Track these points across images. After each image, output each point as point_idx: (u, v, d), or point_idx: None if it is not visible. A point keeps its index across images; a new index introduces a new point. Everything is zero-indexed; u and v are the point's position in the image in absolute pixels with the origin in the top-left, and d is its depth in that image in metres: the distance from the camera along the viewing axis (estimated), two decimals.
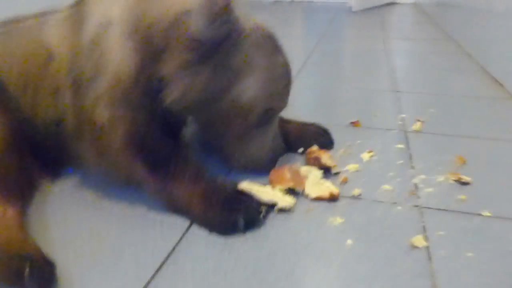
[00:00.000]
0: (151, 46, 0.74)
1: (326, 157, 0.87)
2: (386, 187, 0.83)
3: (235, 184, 0.77)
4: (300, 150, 0.96)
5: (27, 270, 0.55)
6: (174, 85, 0.72)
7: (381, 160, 0.94)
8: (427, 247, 0.66)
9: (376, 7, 3.62)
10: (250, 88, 0.75)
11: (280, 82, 0.80)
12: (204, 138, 0.91)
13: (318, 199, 0.78)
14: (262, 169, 0.84)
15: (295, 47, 2.22)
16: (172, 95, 0.72)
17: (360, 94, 1.43)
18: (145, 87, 0.74)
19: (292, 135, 0.98)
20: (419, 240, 0.67)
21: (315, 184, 0.80)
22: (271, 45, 0.79)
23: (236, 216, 0.69)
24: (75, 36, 0.77)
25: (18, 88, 0.81)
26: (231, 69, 0.73)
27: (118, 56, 0.73)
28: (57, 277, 0.59)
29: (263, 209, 0.72)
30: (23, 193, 0.75)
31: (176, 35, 0.71)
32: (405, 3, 3.83)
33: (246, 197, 0.73)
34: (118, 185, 0.79)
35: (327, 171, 0.87)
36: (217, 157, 0.88)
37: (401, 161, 0.93)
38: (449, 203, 0.78)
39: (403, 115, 1.21)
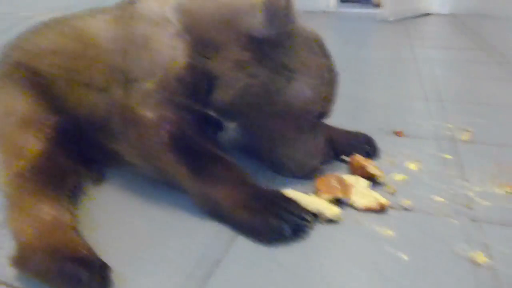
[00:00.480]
0: (204, 45, 0.73)
1: (372, 166, 0.82)
2: (438, 199, 0.77)
3: (280, 191, 0.73)
4: (344, 158, 0.92)
5: (86, 274, 0.53)
6: (229, 86, 0.71)
7: (430, 170, 0.89)
8: (491, 265, 0.60)
9: (410, 17, 3.55)
10: (305, 91, 0.74)
11: (331, 86, 0.78)
12: (248, 142, 0.88)
13: (367, 209, 0.74)
14: (309, 174, 0.81)
15: (332, 54, 2.18)
16: (227, 96, 0.71)
17: (401, 102, 1.38)
18: (195, 88, 0.72)
19: (336, 142, 0.94)
20: (480, 257, 0.61)
21: (363, 194, 0.76)
22: (322, 49, 0.78)
23: (282, 223, 0.65)
24: (125, 33, 0.77)
25: (66, 86, 0.80)
26: (288, 70, 0.72)
27: (168, 56, 0.72)
28: (113, 281, 0.57)
29: (310, 217, 0.68)
30: (72, 193, 0.73)
31: (232, 32, 0.71)
32: (440, 13, 3.75)
33: (292, 204, 0.69)
34: (161, 185, 0.78)
35: (373, 181, 0.82)
36: (260, 163, 0.85)
37: (452, 172, 0.88)
38: (510, 218, 0.72)
39: (449, 125, 1.15)
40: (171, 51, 0.72)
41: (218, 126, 0.96)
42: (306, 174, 0.81)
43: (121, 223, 0.73)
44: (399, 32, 2.97)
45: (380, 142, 1.00)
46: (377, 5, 4.32)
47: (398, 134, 1.10)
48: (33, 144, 0.71)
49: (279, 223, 0.65)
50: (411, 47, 2.36)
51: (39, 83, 0.79)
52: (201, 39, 0.72)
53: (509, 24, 2.06)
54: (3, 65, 0.85)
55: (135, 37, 0.75)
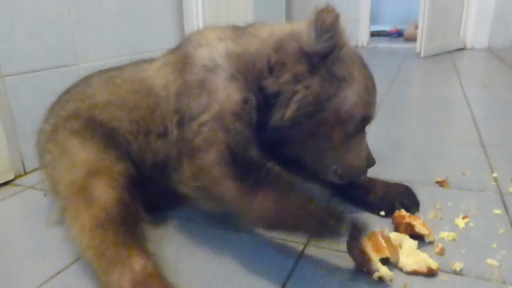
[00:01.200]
0: (258, 70, 0.81)
1: (419, 224, 0.80)
2: (491, 261, 0.74)
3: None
4: (382, 213, 0.90)
5: None
6: (289, 101, 0.78)
7: (479, 227, 0.85)
8: None
9: (445, 52, 3.51)
10: (351, 97, 0.79)
11: (373, 92, 0.84)
12: (294, 154, 0.89)
13: (415, 272, 0.71)
14: (359, 178, 0.88)
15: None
16: (289, 110, 0.77)
17: (442, 147, 1.35)
18: (247, 116, 0.78)
19: (374, 194, 0.93)
20: None
21: (411, 255, 0.73)
22: (362, 60, 0.85)
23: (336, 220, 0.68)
24: (179, 79, 0.83)
25: (130, 135, 0.86)
26: (337, 78, 0.78)
27: (223, 95, 0.78)
28: None
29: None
30: (145, 238, 0.75)
31: (283, 54, 0.79)
32: (476, 48, 3.69)
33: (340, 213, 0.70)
34: (214, 211, 0.82)
35: (419, 239, 0.80)
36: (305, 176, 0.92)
37: (503, 230, 0.84)
38: None
39: (495, 174, 1.11)
40: (225, 90, 0.78)
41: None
42: (358, 177, 0.88)
43: (193, 262, 0.77)
44: (436, 68, 2.93)
45: (423, 193, 0.97)
46: (409, 39, 4.32)
47: (441, 184, 1.07)
48: (106, 192, 0.73)
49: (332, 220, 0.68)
50: (449, 84, 2.33)
51: (101, 133, 0.83)
52: (252, 73, 0.80)
53: None
54: (56, 118, 0.89)
55: (191, 82, 0.81)
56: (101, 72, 0.98)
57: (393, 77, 2.56)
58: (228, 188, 0.73)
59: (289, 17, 3.92)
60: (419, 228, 0.79)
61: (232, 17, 2.32)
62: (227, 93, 0.78)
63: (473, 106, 1.84)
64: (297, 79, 0.78)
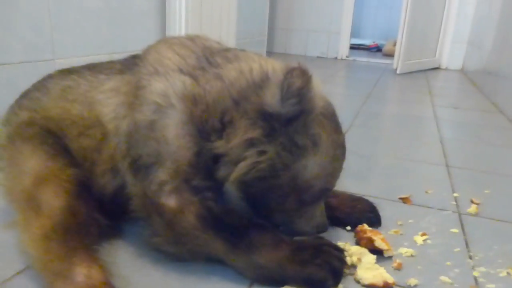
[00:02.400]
0: (211, 127, 0.74)
1: (379, 240, 0.83)
2: (445, 278, 0.77)
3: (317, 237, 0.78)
4: (348, 228, 0.93)
5: None
6: (236, 163, 0.72)
7: (436, 245, 0.89)
8: None
9: (421, 70, 3.61)
10: (312, 167, 0.74)
11: (339, 162, 0.79)
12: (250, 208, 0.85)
13: (372, 286, 0.74)
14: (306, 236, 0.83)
15: (340, 108, 2.21)
16: (234, 174, 0.72)
17: (409, 165, 1.40)
18: (207, 169, 0.74)
19: (339, 209, 0.95)
20: None
21: (369, 268, 0.76)
22: (334, 124, 0.78)
23: (326, 275, 0.70)
24: (129, 115, 0.77)
25: (78, 157, 0.81)
26: (297, 147, 0.72)
27: (175, 144, 0.73)
28: None
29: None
30: (98, 248, 0.74)
31: (242, 110, 0.72)
32: (450, 68, 3.82)
33: (333, 246, 0.74)
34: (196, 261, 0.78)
35: (379, 253, 0.83)
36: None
37: (458, 249, 0.88)
38: None
39: (456, 194, 1.16)
40: (177, 141, 0.73)
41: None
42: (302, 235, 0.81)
43: (147, 270, 0.75)
44: (410, 86, 3.02)
45: (386, 209, 1.01)
46: (387, 55, 4.43)
47: (404, 201, 1.10)
48: (52, 200, 0.71)
49: (322, 276, 0.70)
50: (421, 103, 2.40)
51: (52, 139, 0.80)
52: (208, 122, 0.74)
53: None
54: (11, 124, 0.86)
55: (140, 122, 0.75)
56: (61, 74, 0.92)
57: (369, 92, 2.62)
58: (216, 248, 0.73)
59: (272, 17, 3.94)
60: (379, 243, 0.82)
61: (215, 22, 2.34)
62: (179, 144, 0.74)
63: (442, 127, 1.90)
64: (250, 144, 0.71)
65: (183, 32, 1.99)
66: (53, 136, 0.81)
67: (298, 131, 0.71)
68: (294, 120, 0.70)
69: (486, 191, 1.19)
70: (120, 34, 1.69)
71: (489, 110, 2.31)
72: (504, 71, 2.38)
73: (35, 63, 1.32)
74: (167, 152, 0.73)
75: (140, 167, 0.75)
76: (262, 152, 0.71)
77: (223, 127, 0.74)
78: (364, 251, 0.81)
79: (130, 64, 0.85)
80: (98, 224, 0.77)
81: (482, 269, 0.81)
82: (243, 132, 0.71)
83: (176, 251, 0.75)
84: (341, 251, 0.75)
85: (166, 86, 0.76)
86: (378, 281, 0.74)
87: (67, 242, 0.67)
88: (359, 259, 0.78)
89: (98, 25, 1.57)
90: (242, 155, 0.71)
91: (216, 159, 0.75)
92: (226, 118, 0.74)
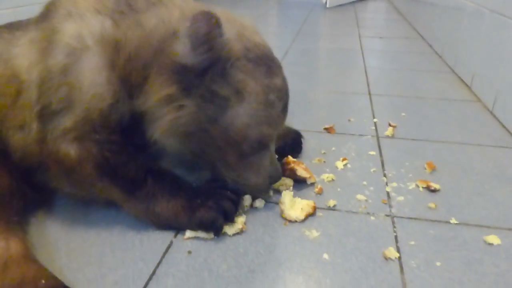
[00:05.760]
0: (130, 79, 0.70)
1: (301, 169, 0.89)
2: (360, 196, 0.85)
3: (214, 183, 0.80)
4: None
5: None
6: (159, 121, 0.70)
7: (355, 168, 0.97)
8: (399, 258, 0.69)
9: (350, 3, 3.66)
10: (241, 117, 0.70)
11: (275, 108, 0.73)
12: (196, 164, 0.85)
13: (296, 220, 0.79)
14: (259, 194, 0.84)
15: (271, 46, 2.22)
16: (157, 131, 0.71)
17: (335, 97, 1.46)
18: (119, 123, 0.72)
19: None
20: (391, 252, 0.70)
21: (291, 207, 0.80)
22: (266, 67, 0.72)
23: (215, 216, 0.73)
24: (43, 61, 0.70)
25: None
26: (219, 98, 0.68)
27: (90, 90, 0.69)
28: None
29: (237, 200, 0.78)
30: (20, 220, 0.72)
31: (157, 65, 0.68)
32: None
33: (224, 191, 0.76)
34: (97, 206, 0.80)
35: (302, 182, 0.89)
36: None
37: (374, 169, 0.97)
38: (420, 212, 0.81)
39: (376, 120, 1.24)
40: (93, 89, 0.69)
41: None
42: (258, 194, 0.84)
43: (62, 246, 0.74)
44: (339, 19, 3.06)
45: (312, 139, 1.07)
46: None
47: (328, 130, 1.17)
48: None
49: (212, 216, 0.73)
50: (349, 35, 2.46)
51: None
52: (128, 73, 0.69)
53: (436, 12, 2.19)
54: None
55: (53, 67, 0.69)
56: None
57: (298, 29, 2.64)
58: (116, 196, 0.75)
59: None
60: (301, 172, 0.88)
61: None
62: (94, 92, 0.69)
63: (367, 57, 1.98)
64: (168, 101, 0.68)
65: None
66: None
67: (216, 80, 0.67)
68: (209, 70, 0.67)
69: (403, 114, 1.28)
70: None
71: (411, 37, 2.42)
72: None
73: None
74: (79, 100, 0.69)
75: (47, 114, 0.70)
76: (180, 107, 0.68)
77: (144, 83, 0.70)
78: (287, 180, 0.87)
79: (45, 11, 0.78)
80: (23, 195, 0.76)
81: (394, 184, 0.90)
82: (159, 88, 0.68)
83: (76, 193, 0.77)
84: (236, 193, 0.77)
85: (81, 26, 0.69)
86: (300, 216, 0.79)
87: None
88: (282, 202, 0.81)
89: None
90: (161, 112, 0.69)
91: (138, 120, 0.73)
92: (147, 72, 0.69)
